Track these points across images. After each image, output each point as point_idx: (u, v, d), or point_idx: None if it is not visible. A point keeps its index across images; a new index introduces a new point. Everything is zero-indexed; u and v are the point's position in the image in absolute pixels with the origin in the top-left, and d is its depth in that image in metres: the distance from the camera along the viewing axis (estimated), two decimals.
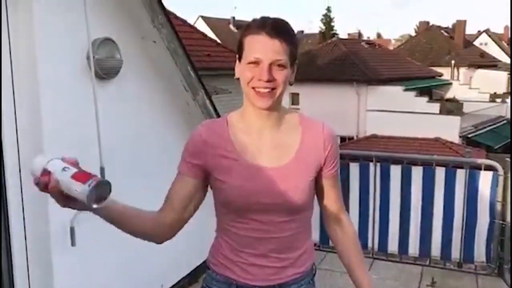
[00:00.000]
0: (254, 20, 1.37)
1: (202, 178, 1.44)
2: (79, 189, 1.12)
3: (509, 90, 24.79)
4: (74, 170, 1.15)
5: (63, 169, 1.14)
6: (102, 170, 2.53)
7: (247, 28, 1.37)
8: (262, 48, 1.32)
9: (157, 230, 1.47)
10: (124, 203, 1.36)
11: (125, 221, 1.38)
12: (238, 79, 1.39)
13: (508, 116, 20.13)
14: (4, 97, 2.26)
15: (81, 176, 1.14)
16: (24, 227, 2.40)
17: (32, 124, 2.32)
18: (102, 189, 1.16)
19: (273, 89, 1.34)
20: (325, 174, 1.47)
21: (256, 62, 1.32)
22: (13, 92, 2.28)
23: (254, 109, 1.39)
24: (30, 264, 2.45)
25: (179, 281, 3.54)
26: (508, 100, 21.77)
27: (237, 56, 1.40)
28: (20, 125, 2.32)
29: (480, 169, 3.90)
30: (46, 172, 1.15)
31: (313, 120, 1.49)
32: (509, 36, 36.29)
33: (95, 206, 1.16)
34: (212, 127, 1.46)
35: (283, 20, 1.38)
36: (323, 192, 1.51)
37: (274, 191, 1.39)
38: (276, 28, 1.33)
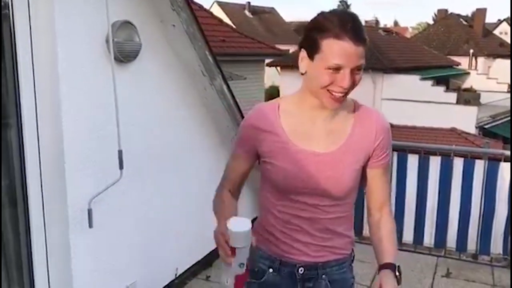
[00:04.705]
0: (328, 18, 1.30)
1: (255, 159, 1.51)
2: (228, 284, 1.30)
3: None
4: (242, 271, 1.29)
5: (240, 264, 1.28)
6: (120, 153, 2.54)
7: (322, 27, 1.30)
8: (346, 56, 1.28)
9: (235, 204, 1.55)
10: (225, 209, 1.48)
11: None
12: (303, 73, 1.37)
13: None
14: (24, 80, 2.27)
15: (239, 282, 1.30)
16: (43, 209, 2.43)
17: (51, 106, 2.32)
18: None
19: (347, 92, 1.34)
20: (372, 164, 1.47)
21: (337, 68, 1.29)
22: (33, 75, 2.29)
23: (317, 102, 1.39)
24: (49, 245, 2.47)
25: (193, 265, 3.56)
26: None
27: (305, 51, 1.34)
28: (40, 108, 2.32)
29: (499, 161, 3.84)
30: (233, 250, 1.26)
31: (368, 109, 1.48)
32: None
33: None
34: (263, 112, 1.48)
35: (358, 19, 1.32)
36: (368, 182, 1.50)
37: (321, 177, 1.41)
38: (359, 32, 1.28)
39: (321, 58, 1.30)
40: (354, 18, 1.31)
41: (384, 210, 1.53)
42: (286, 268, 1.51)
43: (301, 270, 1.51)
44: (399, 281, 1.37)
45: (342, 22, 1.28)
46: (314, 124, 1.42)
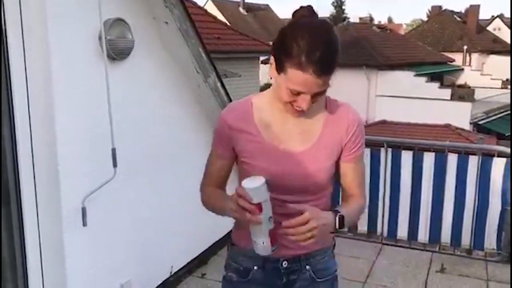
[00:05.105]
0: (297, 41, 1.25)
1: (235, 156, 1.52)
2: (265, 245, 1.33)
3: None
4: (272, 225, 1.32)
5: (269, 218, 1.32)
6: (113, 151, 2.53)
7: (289, 51, 1.26)
8: (308, 86, 1.29)
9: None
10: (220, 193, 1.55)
11: None
12: (271, 78, 1.38)
13: None
14: (16, 77, 2.25)
15: (274, 236, 1.34)
16: (37, 208, 2.42)
17: (44, 104, 2.31)
18: None
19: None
20: (345, 158, 1.49)
21: (298, 93, 1.32)
22: (25, 72, 2.27)
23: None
24: (42, 244, 2.46)
25: (188, 264, 3.56)
26: None
27: (274, 59, 1.33)
28: (33, 106, 2.31)
29: (493, 156, 3.86)
30: (258, 206, 1.28)
31: (339, 104, 1.50)
32: None
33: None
34: (237, 111, 1.49)
35: (330, 40, 1.28)
36: (342, 176, 1.53)
37: (297, 175, 1.44)
38: (325, 62, 1.26)
39: (285, 78, 1.31)
40: (325, 42, 1.27)
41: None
42: (270, 264, 1.53)
43: (284, 264, 1.53)
44: (335, 227, 1.35)
45: (310, 50, 1.24)
46: (287, 123, 1.45)
